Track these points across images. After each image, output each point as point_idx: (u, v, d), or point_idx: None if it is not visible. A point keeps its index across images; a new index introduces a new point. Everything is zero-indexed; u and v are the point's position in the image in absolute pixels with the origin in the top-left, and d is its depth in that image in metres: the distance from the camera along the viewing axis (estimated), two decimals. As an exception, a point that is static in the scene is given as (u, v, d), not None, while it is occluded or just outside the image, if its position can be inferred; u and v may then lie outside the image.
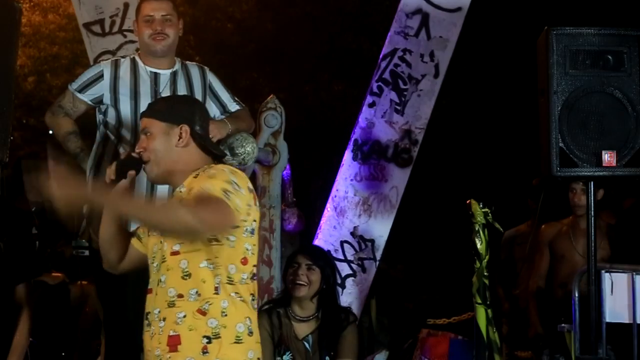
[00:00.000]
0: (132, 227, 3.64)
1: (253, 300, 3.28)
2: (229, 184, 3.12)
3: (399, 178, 6.77)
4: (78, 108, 4.64)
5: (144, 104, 4.43)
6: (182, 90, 4.54)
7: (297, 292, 4.93)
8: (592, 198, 5.21)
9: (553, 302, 6.13)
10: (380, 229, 6.71)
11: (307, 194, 8.37)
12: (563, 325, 5.58)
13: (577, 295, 5.44)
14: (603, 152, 5.03)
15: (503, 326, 6.96)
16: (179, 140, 3.29)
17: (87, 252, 6.30)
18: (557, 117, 5.06)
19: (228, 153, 4.58)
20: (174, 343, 3.13)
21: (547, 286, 6.31)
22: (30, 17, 11.97)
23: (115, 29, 6.66)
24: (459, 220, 5.83)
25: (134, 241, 3.48)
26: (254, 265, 3.28)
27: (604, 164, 5.04)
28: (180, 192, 3.24)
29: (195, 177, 3.23)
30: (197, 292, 3.15)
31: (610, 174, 5.11)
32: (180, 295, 3.16)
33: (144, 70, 4.55)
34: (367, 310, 7.13)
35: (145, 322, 3.28)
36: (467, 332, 6.02)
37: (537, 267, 6.37)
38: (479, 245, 5.33)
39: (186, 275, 3.16)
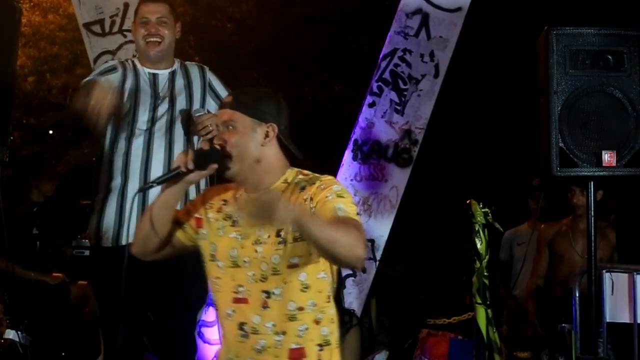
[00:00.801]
0: None
1: None
2: (355, 206, 3.07)
3: (399, 178, 6.77)
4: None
5: (143, 104, 4.44)
6: (181, 89, 4.54)
7: None
8: (592, 198, 5.21)
9: (552, 302, 6.13)
10: (380, 228, 6.72)
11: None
12: (564, 325, 5.59)
13: (577, 295, 5.44)
14: (603, 152, 5.02)
15: (503, 326, 6.97)
16: (265, 138, 3.15)
17: (87, 252, 6.32)
18: (557, 117, 5.05)
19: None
20: (298, 356, 3.10)
21: (547, 286, 6.31)
22: (30, 17, 11.97)
23: (115, 29, 6.66)
24: (459, 220, 5.84)
25: (177, 232, 3.30)
26: None
27: (604, 164, 5.03)
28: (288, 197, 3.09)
29: (288, 183, 3.14)
30: (314, 302, 3.11)
31: (610, 174, 5.11)
32: (301, 308, 3.10)
33: (143, 71, 4.55)
34: (367, 310, 7.13)
35: (240, 332, 3.14)
36: (467, 332, 6.02)
37: (537, 267, 6.38)
38: (479, 245, 5.33)
39: (305, 288, 3.10)
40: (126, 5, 6.63)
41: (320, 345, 3.12)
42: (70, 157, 12.63)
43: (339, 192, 3.05)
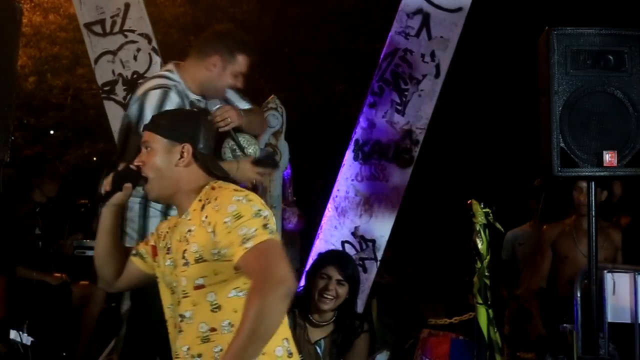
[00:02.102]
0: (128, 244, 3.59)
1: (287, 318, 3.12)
2: (259, 215, 2.94)
3: (400, 178, 6.76)
4: None
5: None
6: (200, 105, 4.48)
7: (324, 305, 4.91)
8: (593, 198, 5.21)
9: (557, 302, 6.12)
10: (381, 229, 6.71)
11: (308, 194, 8.37)
12: (565, 325, 5.58)
13: (579, 295, 5.45)
14: (604, 152, 5.03)
15: (505, 327, 6.96)
16: (180, 159, 3.13)
17: (88, 252, 6.32)
18: (558, 117, 5.06)
19: (230, 156, 4.55)
20: None
21: (551, 286, 6.30)
22: (31, 17, 11.97)
23: (116, 29, 6.66)
24: (461, 220, 5.84)
25: (135, 259, 3.34)
26: None
27: (604, 164, 5.03)
28: (190, 227, 3.05)
29: (199, 202, 3.07)
30: (229, 323, 2.99)
31: (611, 174, 5.12)
32: (214, 329, 3.01)
33: (194, 98, 4.46)
34: (368, 310, 7.13)
35: (174, 356, 3.12)
36: (469, 332, 6.02)
37: (539, 268, 6.36)
38: (480, 246, 5.32)
39: (216, 308, 3.01)
40: (127, 6, 6.63)
41: None
42: (70, 157, 12.63)
43: (235, 212, 2.94)
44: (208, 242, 2.97)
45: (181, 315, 3.06)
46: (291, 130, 6.27)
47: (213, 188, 3.10)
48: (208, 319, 3.02)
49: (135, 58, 6.60)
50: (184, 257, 3.04)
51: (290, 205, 7.13)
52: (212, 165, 3.23)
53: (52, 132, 13.78)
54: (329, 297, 4.90)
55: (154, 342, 4.24)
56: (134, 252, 3.36)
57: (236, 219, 2.92)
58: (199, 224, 3.02)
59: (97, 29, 6.68)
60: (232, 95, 4.64)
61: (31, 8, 12.08)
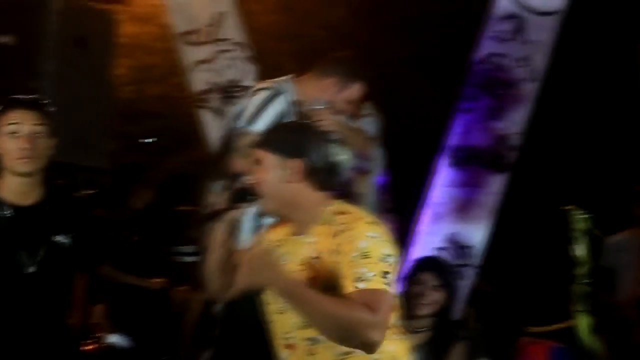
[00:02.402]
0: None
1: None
2: (384, 261, 2.88)
3: (495, 184, 6.69)
4: None
5: None
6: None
7: (420, 311, 4.89)
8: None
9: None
10: (477, 235, 6.64)
11: (403, 201, 8.34)
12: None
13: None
14: None
15: (606, 334, 6.82)
16: (292, 175, 3.05)
17: (187, 258, 6.39)
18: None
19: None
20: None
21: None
22: (127, 28, 12.17)
23: (211, 38, 6.74)
24: (559, 226, 5.74)
25: None
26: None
27: None
28: (314, 248, 2.99)
29: (328, 227, 2.99)
30: None
31: None
32: (348, 353, 2.93)
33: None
34: (466, 318, 7.06)
35: None
36: (568, 340, 5.92)
37: (641, 275, 6.23)
38: (579, 252, 5.24)
39: None
40: (221, 15, 6.72)
41: None
42: (168, 165, 12.81)
43: (365, 249, 2.87)
44: (332, 270, 2.92)
45: (311, 339, 2.99)
46: (386, 136, 6.26)
47: (342, 213, 3.03)
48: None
49: (229, 67, 6.67)
50: (309, 284, 2.95)
51: (385, 212, 7.09)
52: (326, 179, 3.15)
53: (149, 140, 14.02)
54: (424, 303, 4.87)
55: (247, 347, 4.30)
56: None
57: (362, 257, 2.86)
58: (328, 252, 2.96)
59: (192, 38, 6.77)
60: None
61: (127, 19, 12.29)
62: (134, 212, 6.63)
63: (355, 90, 4.54)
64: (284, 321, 3.06)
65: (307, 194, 3.09)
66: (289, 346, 3.06)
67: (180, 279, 6.63)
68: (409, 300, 4.92)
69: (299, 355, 3.03)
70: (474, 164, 6.70)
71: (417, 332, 4.93)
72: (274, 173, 3.08)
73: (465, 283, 6.57)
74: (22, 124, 3.41)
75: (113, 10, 7.51)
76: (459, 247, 6.63)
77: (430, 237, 6.65)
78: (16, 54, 4.70)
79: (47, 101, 3.59)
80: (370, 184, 6.05)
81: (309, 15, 12.47)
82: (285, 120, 4.41)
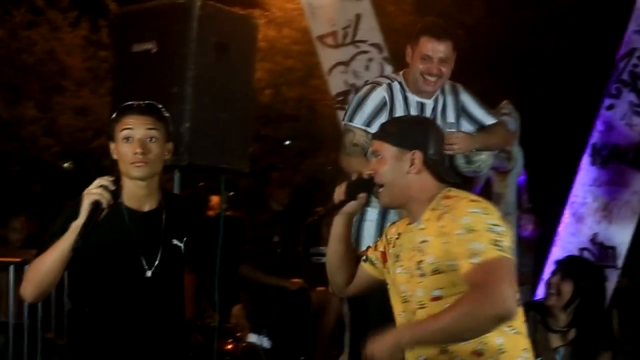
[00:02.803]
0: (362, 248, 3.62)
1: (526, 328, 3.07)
2: (492, 231, 2.88)
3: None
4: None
5: None
6: (438, 116, 4.50)
7: (561, 313, 4.85)
8: None
9: None
10: (621, 235, 6.48)
11: (544, 200, 8.19)
12: None
13: None
14: None
15: None
16: (410, 166, 3.12)
17: (324, 259, 6.44)
18: None
19: (463, 161, 4.53)
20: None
21: None
22: (266, 32, 12.36)
23: (348, 40, 6.77)
24: None
25: (366, 266, 3.36)
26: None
27: None
28: (425, 237, 3.03)
29: (434, 212, 3.03)
30: None
31: None
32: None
33: (413, 99, 4.50)
34: (609, 320, 6.88)
35: None
36: None
37: None
38: None
39: None
40: (358, 17, 6.73)
41: None
42: (306, 167, 12.94)
43: (470, 225, 2.88)
44: (443, 253, 2.95)
45: None
46: (525, 136, 6.17)
47: (448, 197, 3.06)
48: None
49: (367, 68, 6.69)
50: (419, 268, 3.02)
51: (526, 212, 7.00)
52: (443, 171, 3.20)
53: (288, 142, 14.18)
54: (566, 304, 4.82)
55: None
56: (364, 258, 3.38)
57: (468, 232, 2.88)
58: (435, 235, 2.99)
59: (330, 40, 6.82)
60: (476, 110, 4.61)
61: (266, 23, 12.48)
62: (274, 213, 6.71)
63: (423, 44, 4.40)
64: (408, 310, 3.11)
65: (425, 185, 3.13)
66: None
67: (318, 279, 6.68)
68: (550, 302, 4.85)
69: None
70: (617, 162, 6.52)
71: (559, 332, 4.86)
72: (392, 164, 3.14)
73: (609, 285, 6.39)
74: (136, 129, 3.43)
75: (253, 15, 7.66)
76: (603, 247, 6.47)
77: (572, 238, 6.51)
78: (158, 60, 4.81)
79: (161, 106, 3.61)
80: (510, 184, 5.98)
81: (445, 15, 12.41)
82: (387, 111, 4.46)
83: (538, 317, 4.85)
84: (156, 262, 3.44)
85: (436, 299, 2.98)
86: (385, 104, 4.47)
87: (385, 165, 3.15)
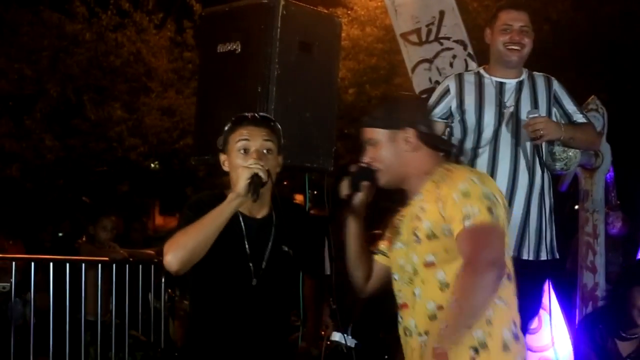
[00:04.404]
0: None
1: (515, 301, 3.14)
2: (487, 198, 3.01)
3: None
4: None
5: (488, 114, 4.42)
6: (525, 100, 4.46)
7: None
8: None
9: None
10: None
11: (633, 197, 8.04)
12: None
13: None
14: None
15: None
16: (406, 144, 3.20)
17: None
18: None
19: (549, 159, 4.47)
20: (441, 357, 2.96)
21: None
22: (349, 31, 12.39)
23: (432, 37, 6.73)
24: None
25: (378, 258, 3.43)
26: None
27: None
28: (422, 205, 3.13)
29: (434, 183, 3.12)
30: None
31: None
32: (440, 307, 3.05)
33: (490, 80, 4.52)
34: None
35: (405, 336, 3.22)
36: None
37: None
38: None
39: (444, 286, 3.06)
40: (442, 13, 6.69)
41: (474, 348, 2.99)
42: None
43: (465, 189, 3.00)
44: (438, 217, 3.05)
45: (413, 294, 3.15)
46: (613, 132, 6.06)
47: (448, 169, 3.14)
48: (435, 297, 3.08)
49: (451, 65, 6.64)
50: (415, 234, 3.12)
51: (614, 209, 6.87)
52: (437, 141, 3.29)
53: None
54: None
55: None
56: (375, 251, 3.44)
57: (464, 196, 3.00)
58: (432, 201, 3.08)
59: (413, 38, 6.78)
60: (568, 105, 4.56)
61: (349, 22, 12.51)
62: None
63: (501, 18, 4.52)
64: (401, 282, 3.24)
65: (424, 160, 3.21)
66: (402, 305, 3.23)
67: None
68: (631, 304, 4.76)
69: (408, 311, 3.20)
70: None
71: (629, 339, 4.77)
72: (387, 147, 3.22)
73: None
74: (252, 140, 3.46)
75: (336, 13, 7.67)
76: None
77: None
78: (243, 60, 4.85)
79: (275, 120, 3.66)
80: (598, 181, 5.89)
81: (531, 10, 12.25)
82: (451, 97, 4.53)
83: (609, 326, 4.75)
84: (263, 269, 3.46)
85: (429, 265, 3.09)
86: (447, 91, 4.54)
87: (381, 149, 3.23)
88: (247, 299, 3.45)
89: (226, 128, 3.55)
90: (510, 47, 4.47)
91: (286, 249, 3.53)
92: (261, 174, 3.32)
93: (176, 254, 3.30)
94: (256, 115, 3.56)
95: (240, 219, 3.48)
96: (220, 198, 3.42)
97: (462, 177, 3.06)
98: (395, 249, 3.26)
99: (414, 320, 3.15)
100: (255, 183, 3.31)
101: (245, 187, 3.31)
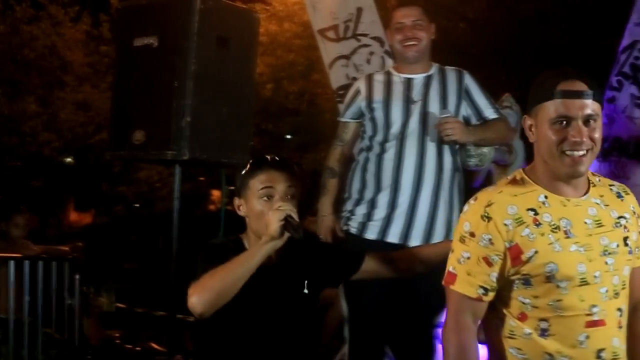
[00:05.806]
0: None
1: None
2: None
3: (641, 175, 6.50)
4: (347, 130, 4.65)
5: (396, 109, 4.45)
6: (434, 94, 4.48)
7: None
8: None
9: None
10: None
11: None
12: None
13: None
14: None
15: None
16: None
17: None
18: None
19: (463, 155, 4.52)
20: None
21: None
22: (267, 26, 12.37)
23: (349, 33, 6.75)
24: None
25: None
26: None
27: None
28: (611, 211, 2.83)
29: (603, 187, 2.94)
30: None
31: None
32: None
33: (398, 77, 4.54)
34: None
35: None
36: None
37: None
38: None
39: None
40: (359, 10, 6.71)
41: None
42: (307, 161, 12.95)
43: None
44: (638, 233, 2.83)
45: (620, 310, 2.77)
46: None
47: (596, 175, 2.97)
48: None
49: (368, 62, 6.66)
50: (626, 245, 2.77)
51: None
52: None
53: (288, 136, 14.19)
54: None
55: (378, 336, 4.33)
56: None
57: None
58: (629, 212, 2.85)
59: (331, 34, 6.79)
60: (479, 99, 4.57)
61: (267, 17, 12.49)
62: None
63: (395, 16, 4.59)
64: (587, 294, 2.73)
65: None
66: (595, 323, 2.73)
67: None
68: None
69: (609, 330, 2.75)
70: (618, 155, 6.51)
71: None
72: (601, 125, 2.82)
73: None
74: (276, 187, 3.28)
75: (254, 9, 7.65)
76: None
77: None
78: (160, 54, 4.81)
79: (294, 162, 3.53)
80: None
81: (447, 8, 12.40)
82: (361, 98, 4.59)
83: None
84: (283, 315, 3.32)
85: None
86: (358, 92, 4.59)
87: (598, 127, 2.77)
88: (269, 347, 3.32)
89: (244, 172, 3.37)
90: (405, 43, 4.50)
91: (305, 290, 3.36)
92: (293, 214, 3.15)
93: (202, 296, 3.13)
94: (276, 158, 3.37)
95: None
96: (237, 243, 3.33)
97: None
98: (569, 251, 2.71)
99: (619, 339, 2.77)
100: (290, 224, 3.14)
101: (279, 230, 3.14)
